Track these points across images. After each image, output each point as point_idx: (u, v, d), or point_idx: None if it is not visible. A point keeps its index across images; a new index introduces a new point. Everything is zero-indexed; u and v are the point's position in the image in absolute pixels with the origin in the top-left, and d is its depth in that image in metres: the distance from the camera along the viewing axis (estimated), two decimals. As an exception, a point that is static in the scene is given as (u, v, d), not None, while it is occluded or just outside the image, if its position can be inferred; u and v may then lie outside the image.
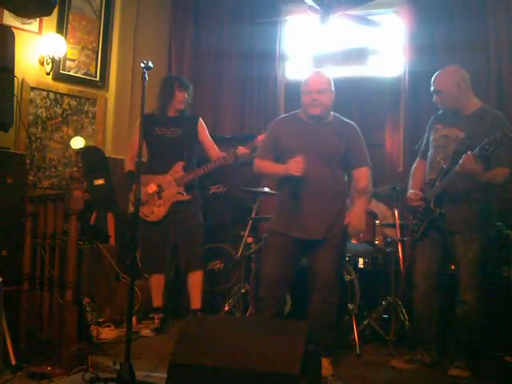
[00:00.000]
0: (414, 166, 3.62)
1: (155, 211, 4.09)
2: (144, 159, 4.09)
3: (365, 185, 3.31)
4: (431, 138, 3.45)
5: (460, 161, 3.04)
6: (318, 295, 3.24)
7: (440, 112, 3.47)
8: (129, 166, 4.20)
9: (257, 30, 5.46)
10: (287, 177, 3.15)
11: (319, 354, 2.81)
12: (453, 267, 3.46)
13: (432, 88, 3.39)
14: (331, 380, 3.10)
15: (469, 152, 3.00)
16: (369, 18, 4.98)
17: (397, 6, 5.15)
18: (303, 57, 5.61)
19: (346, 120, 3.38)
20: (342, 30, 5.20)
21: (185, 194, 4.09)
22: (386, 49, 5.32)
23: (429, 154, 3.45)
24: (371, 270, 4.22)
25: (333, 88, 3.30)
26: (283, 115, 3.49)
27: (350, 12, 4.74)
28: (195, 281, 4.15)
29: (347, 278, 3.84)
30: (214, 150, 4.22)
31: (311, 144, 3.21)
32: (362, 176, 3.32)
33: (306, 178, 3.12)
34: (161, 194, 4.10)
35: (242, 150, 4.03)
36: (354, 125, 3.38)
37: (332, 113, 3.36)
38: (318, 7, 4.63)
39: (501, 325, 3.55)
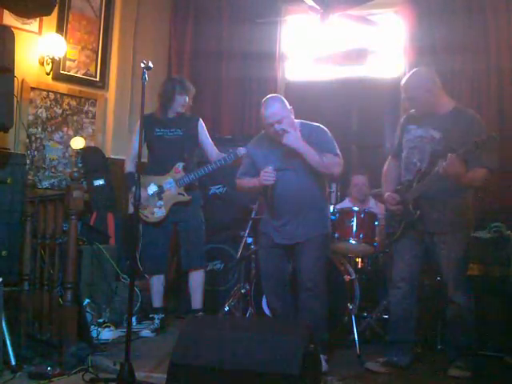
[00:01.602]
0: (386, 167, 3.58)
1: (156, 212, 4.09)
2: (144, 160, 4.10)
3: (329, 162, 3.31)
4: (405, 138, 3.41)
5: (444, 163, 2.99)
6: (306, 292, 3.32)
7: (413, 111, 3.43)
8: (129, 167, 4.19)
9: (257, 30, 5.46)
10: (264, 187, 3.32)
11: (319, 354, 2.82)
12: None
13: (402, 95, 3.35)
14: (331, 380, 3.10)
15: (453, 154, 2.95)
16: (369, 18, 4.98)
17: (397, 6, 5.15)
18: (303, 57, 5.61)
19: (314, 124, 3.43)
20: (342, 30, 5.20)
21: (185, 194, 4.09)
22: (386, 49, 5.33)
23: (403, 154, 3.41)
24: (371, 270, 4.23)
25: (288, 106, 3.34)
26: (258, 135, 3.62)
27: (350, 12, 4.74)
28: (196, 279, 4.16)
29: (347, 278, 3.84)
30: (213, 151, 4.22)
31: (280, 158, 3.33)
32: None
33: (278, 189, 3.29)
34: (161, 194, 4.09)
35: (241, 150, 4.01)
36: (320, 127, 3.43)
37: (298, 123, 3.41)
38: (318, 7, 4.63)
39: (501, 325, 3.55)
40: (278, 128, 3.24)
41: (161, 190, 4.09)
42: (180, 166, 4.10)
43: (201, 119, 4.27)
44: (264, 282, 3.53)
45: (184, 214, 4.12)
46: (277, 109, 3.28)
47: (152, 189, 4.09)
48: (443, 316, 3.40)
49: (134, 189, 3.14)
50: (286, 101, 3.37)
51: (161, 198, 4.09)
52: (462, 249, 3.23)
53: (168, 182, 4.09)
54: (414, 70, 3.40)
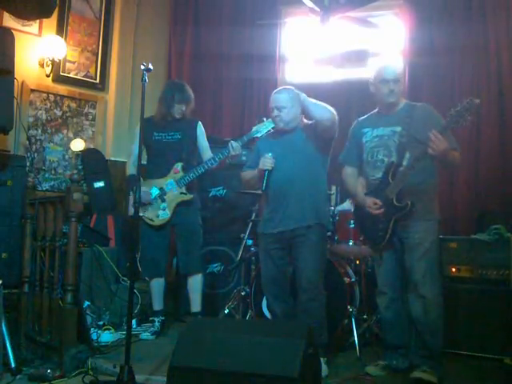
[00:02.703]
0: (345, 175, 3.53)
1: (160, 215, 4.08)
2: (145, 163, 4.10)
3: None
4: (362, 141, 3.40)
5: (429, 143, 2.92)
6: (304, 294, 3.32)
7: (362, 118, 3.49)
8: (130, 170, 4.19)
9: (257, 32, 5.47)
10: (265, 181, 3.39)
11: (319, 357, 2.81)
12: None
13: (391, 77, 3.25)
14: (331, 383, 3.10)
15: (433, 131, 2.91)
16: (368, 20, 4.99)
17: (397, 7, 5.16)
18: (303, 59, 5.61)
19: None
20: (342, 31, 5.20)
21: (187, 193, 4.09)
22: (385, 51, 5.32)
23: (364, 156, 3.38)
24: (371, 272, 4.21)
25: (296, 103, 3.43)
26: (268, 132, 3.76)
27: (350, 14, 4.74)
28: (195, 284, 4.16)
29: (347, 280, 3.84)
30: (206, 154, 4.21)
31: (281, 148, 3.44)
32: None
33: (276, 175, 3.38)
34: (164, 196, 4.09)
35: (234, 144, 3.94)
36: None
37: (304, 121, 3.54)
38: (318, 9, 4.64)
39: (500, 327, 3.55)
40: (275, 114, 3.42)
41: (163, 192, 4.08)
42: (179, 166, 4.10)
43: (200, 122, 4.26)
44: (264, 285, 3.53)
45: (182, 217, 4.11)
46: (285, 98, 3.42)
47: (154, 192, 4.09)
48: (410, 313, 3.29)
49: (134, 191, 3.13)
50: (300, 97, 3.43)
51: (163, 200, 4.08)
52: (436, 238, 3.23)
53: (168, 183, 4.09)
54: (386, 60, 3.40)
